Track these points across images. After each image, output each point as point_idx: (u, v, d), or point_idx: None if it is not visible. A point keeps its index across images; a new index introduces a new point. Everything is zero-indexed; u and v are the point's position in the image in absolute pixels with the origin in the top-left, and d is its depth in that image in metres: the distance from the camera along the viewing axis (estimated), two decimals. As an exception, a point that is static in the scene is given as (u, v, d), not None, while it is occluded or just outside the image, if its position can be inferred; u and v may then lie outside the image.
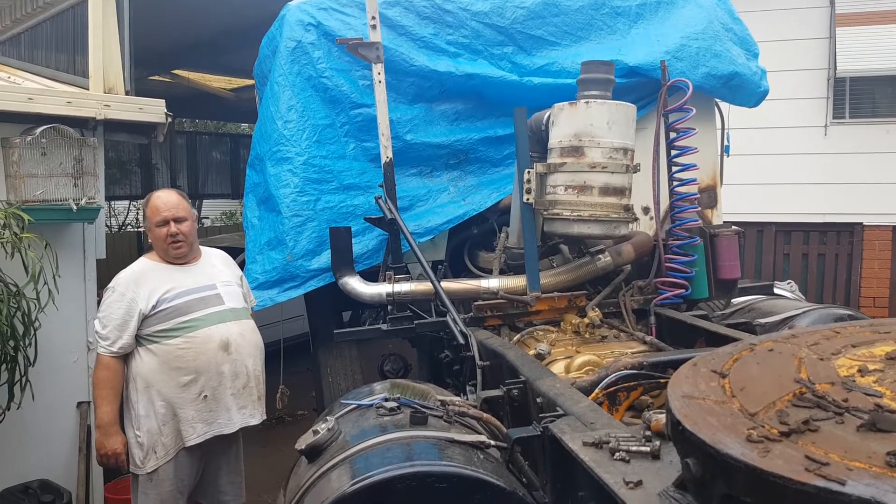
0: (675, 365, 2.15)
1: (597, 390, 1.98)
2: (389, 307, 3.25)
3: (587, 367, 2.53)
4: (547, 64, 3.69)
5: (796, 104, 7.09)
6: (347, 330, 3.20)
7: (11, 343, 2.89)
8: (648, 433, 1.38)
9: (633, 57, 3.62)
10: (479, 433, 1.75)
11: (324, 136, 3.55)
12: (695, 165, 3.17)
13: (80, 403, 3.62)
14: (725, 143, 3.98)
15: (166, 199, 2.74)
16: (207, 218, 13.43)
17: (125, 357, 2.63)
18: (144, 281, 2.60)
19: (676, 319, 2.95)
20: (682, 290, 3.11)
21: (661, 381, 2.04)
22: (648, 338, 2.76)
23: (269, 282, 3.36)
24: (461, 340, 2.81)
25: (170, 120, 3.64)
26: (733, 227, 3.29)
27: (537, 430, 1.65)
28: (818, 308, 2.96)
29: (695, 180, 3.20)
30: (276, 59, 3.58)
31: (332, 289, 3.42)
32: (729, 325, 2.78)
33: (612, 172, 2.86)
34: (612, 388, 1.99)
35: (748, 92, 3.85)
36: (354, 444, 1.68)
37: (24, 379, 2.96)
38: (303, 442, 1.76)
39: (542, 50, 3.74)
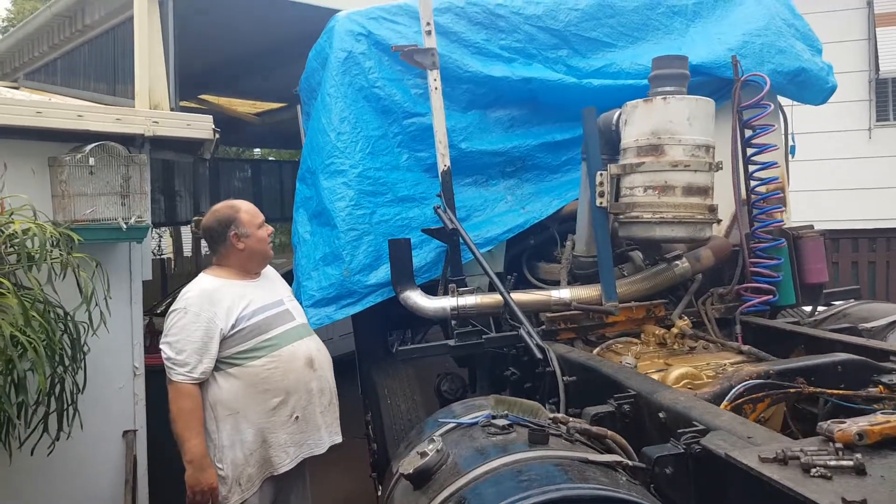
0: (804, 373, 1.96)
1: (724, 402, 1.79)
2: (453, 322, 3.09)
3: (685, 381, 2.33)
4: (605, 66, 3.56)
5: (838, 107, 6.88)
6: (413, 346, 3.02)
7: (60, 369, 2.75)
8: (838, 445, 1.19)
9: (693, 56, 3.46)
10: (609, 452, 1.57)
11: (377, 148, 3.42)
12: (776, 163, 2.99)
13: (125, 432, 3.46)
14: (791, 143, 3.80)
15: (251, 204, 2.68)
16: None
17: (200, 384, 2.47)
18: (219, 299, 2.43)
19: (769, 327, 2.75)
20: (770, 297, 2.91)
21: (791, 391, 1.85)
22: (745, 347, 2.56)
23: (326, 299, 3.20)
24: (538, 355, 2.63)
25: (218, 136, 3.53)
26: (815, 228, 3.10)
27: (679, 448, 1.47)
28: None
29: (777, 178, 3.02)
30: (326, 70, 3.47)
31: (383, 306, 3.26)
32: (831, 331, 2.57)
33: (696, 171, 2.69)
34: (739, 401, 1.80)
35: (816, 88, 3.69)
36: (470, 467, 1.50)
37: (73, 407, 2.81)
38: (409, 466, 1.57)
39: (598, 52, 3.61)
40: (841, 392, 1.80)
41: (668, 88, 2.83)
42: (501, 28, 3.50)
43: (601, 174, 2.87)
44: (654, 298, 3.07)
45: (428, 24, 3.21)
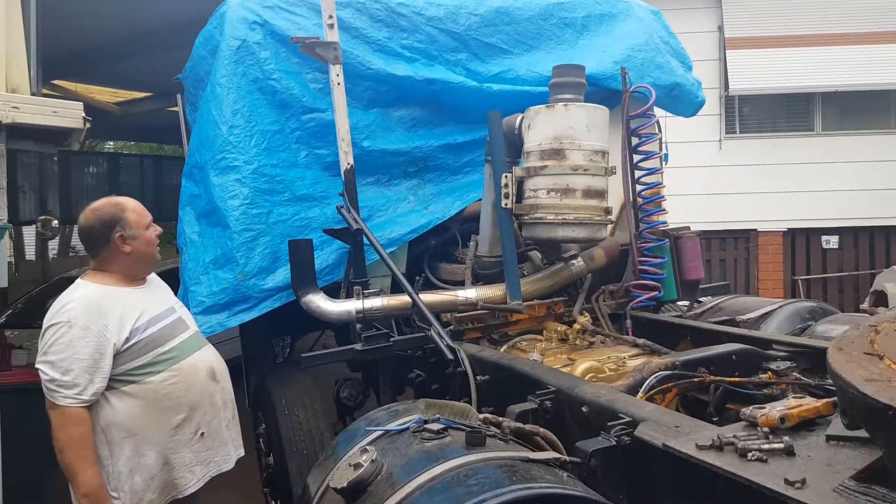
0: (704, 363, 2.12)
1: (640, 394, 1.89)
2: (358, 326, 3.01)
3: (590, 374, 2.44)
4: (502, 71, 3.64)
5: (694, 120, 7.58)
6: (316, 353, 2.90)
7: None
8: (765, 430, 1.29)
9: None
10: (544, 450, 1.60)
11: (273, 143, 3.25)
12: (659, 169, 3.22)
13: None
14: (665, 151, 4.11)
15: (137, 202, 2.39)
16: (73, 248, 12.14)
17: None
18: (108, 309, 2.15)
19: (658, 321, 2.95)
20: (656, 293, 3.13)
21: (695, 380, 1.99)
22: (641, 340, 2.73)
23: (218, 305, 3.00)
24: (449, 356, 2.63)
25: (88, 126, 3.19)
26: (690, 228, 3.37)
27: (611, 440, 1.52)
28: (789, 303, 3.09)
29: (660, 183, 3.25)
30: (216, 59, 3.25)
31: (270, 314, 3.12)
32: (714, 323, 2.81)
33: (594, 175, 2.83)
34: (652, 391, 1.91)
35: (688, 102, 4.02)
36: (410, 476, 1.45)
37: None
38: (343, 479, 1.50)
39: (496, 57, 3.69)
40: (738, 380, 1.97)
41: (567, 96, 2.94)
42: (403, 27, 3.46)
43: (506, 176, 2.93)
44: (553, 296, 3.19)
45: (330, 17, 3.10)
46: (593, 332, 2.88)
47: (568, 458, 1.52)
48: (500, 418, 1.74)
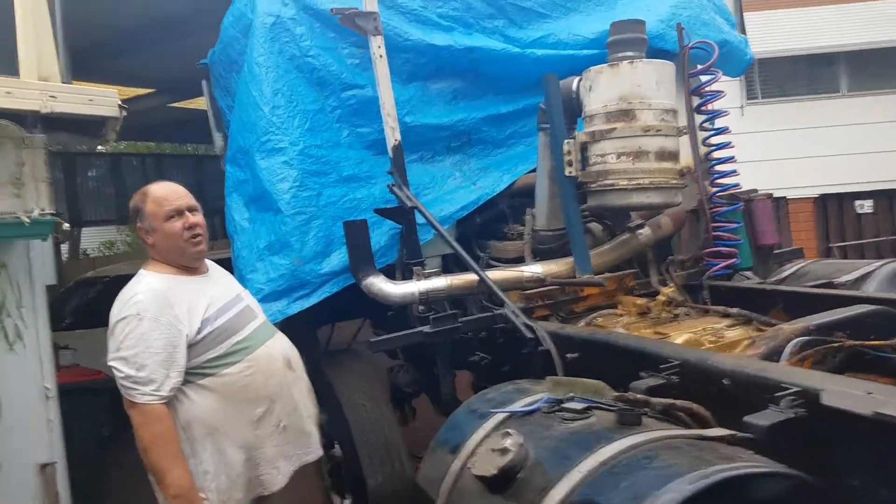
0: (841, 326, 1.97)
1: (784, 361, 1.74)
2: (420, 308, 2.87)
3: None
4: (542, 36, 3.47)
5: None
6: (385, 337, 2.74)
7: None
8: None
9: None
10: (690, 427, 1.45)
11: (315, 123, 3.10)
12: (727, 129, 3.06)
13: (44, 466, 2.89)
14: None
15: (173, 188, 2.16)
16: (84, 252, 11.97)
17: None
18: (175, 299, 2.00)
19: (740, 289, 2.81)
20: (734, 261, 2.97)
21: (834, 345, 1.83)
22: (734, 310, 2.57)
23: (277, 292, 2.86)
24: (528, 334, 2.48)
25: (124, 114, 3.02)
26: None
27: (786, 413, 1.37)
28: (888, 262, 2.92)
29: (730, 143, 3.09)
30: (251, 38, 3.09)
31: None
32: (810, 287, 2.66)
33: (666, 136, 2.67)
34: (795, 359, 1.77)
35: (737, 60, 3.84)
36: (570, 463, 1.29)
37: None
38: (490, 465, 1.35)
39: (534, 22, 3.51)
40: (879, 343, 1.82)
41: (629, 53, 2.79)
42: (437, -6, 3.29)
43: (568, 143, 2.78)
44: (618, 269, 3.04)
45: (367, -15, 2.93)
46: (680, 305, 2.72)
47: (740, 435, 1.36)
48: (640, 396, 1.59)
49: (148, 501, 2.07)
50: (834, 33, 7.25)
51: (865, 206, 7.45)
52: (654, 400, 1.48)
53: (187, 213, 2.13)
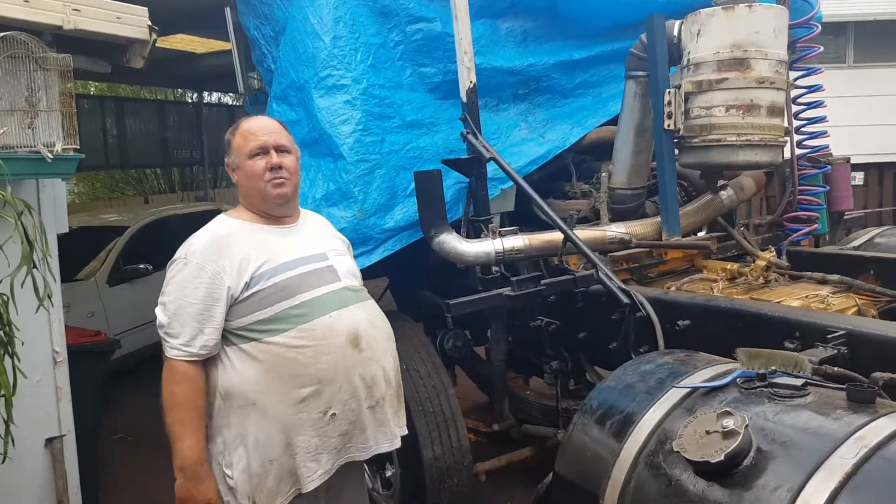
0: None
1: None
2: (495, 269, 2.63)
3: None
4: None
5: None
6: (466, 299, 2.48)
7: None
8: None
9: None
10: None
11: (378, 59, 2.77)
12: (821, 86, 2.87)
13: (50, 440, 2.57)
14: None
15: (264, 123, 1.87)
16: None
17: (204, 364, 1.75)
18: (229, 249, 1.73)
19: (823, 255, 2.67)
20: (816, 226, 2.83)
21: None
22: (833, 276, 2.42)
23: (337, 248, 2.55)
24: (625, 299, 2.28)
25: (155, 37, 2.62)
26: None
27: None
28: None
29: (822, 102, 2.91)
30: (306, -45, 2.70)
31: None
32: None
33: (778, 89, 2.46)
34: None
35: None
36: (824, 447, 1.10)
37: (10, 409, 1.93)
38: (715, 450, 1.14)
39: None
40: None
41: (739, -5, 2.54)
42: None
43: (670, 92, 2.53)
44: (700, 231, 2.87)
45: None
46: (779, 270, 2.55)
47: None
48: (843, 370, 1.40)
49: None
50: (844, 2, 7.14)
51: (857, 178, 7.50)
52: (877, 375, 1.30)
53: (273, 152, 1.83)
